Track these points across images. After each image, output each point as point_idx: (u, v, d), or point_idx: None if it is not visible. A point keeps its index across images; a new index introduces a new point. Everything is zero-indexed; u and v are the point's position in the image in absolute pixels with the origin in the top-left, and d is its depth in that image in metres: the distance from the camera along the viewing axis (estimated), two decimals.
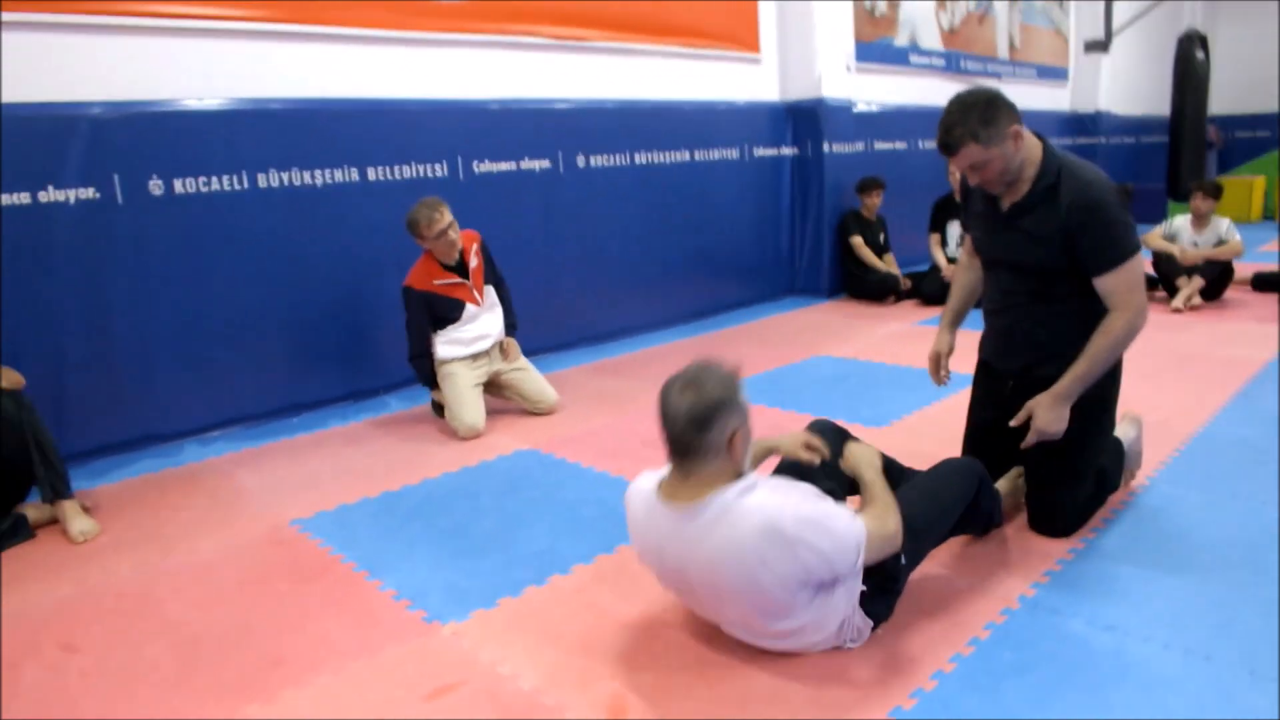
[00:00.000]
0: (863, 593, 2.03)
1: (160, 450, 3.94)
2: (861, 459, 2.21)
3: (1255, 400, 3.87)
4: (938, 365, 2.88)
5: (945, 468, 2.43)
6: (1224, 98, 14.16)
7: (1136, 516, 2.76)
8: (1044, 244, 2.44)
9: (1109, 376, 2.55)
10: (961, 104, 2.35)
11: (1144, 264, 2.47)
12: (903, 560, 2.12)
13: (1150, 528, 2.67)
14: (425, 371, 4.05)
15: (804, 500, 1.89)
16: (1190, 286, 5.93)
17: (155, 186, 3.86)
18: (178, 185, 3.93)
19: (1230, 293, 6.28)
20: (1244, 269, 6.69)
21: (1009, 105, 2.37)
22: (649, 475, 2.06)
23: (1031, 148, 2.45)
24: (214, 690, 2.07)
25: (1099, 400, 2.58)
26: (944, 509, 2.31)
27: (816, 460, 2.19)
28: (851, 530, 1.87)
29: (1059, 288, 2.50)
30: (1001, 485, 2.73)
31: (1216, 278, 6.06)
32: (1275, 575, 2.34)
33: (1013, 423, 2.54)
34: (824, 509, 1.88)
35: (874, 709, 1.86)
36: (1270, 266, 6.79)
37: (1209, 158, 13.30)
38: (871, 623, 2.08)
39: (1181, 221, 6.24)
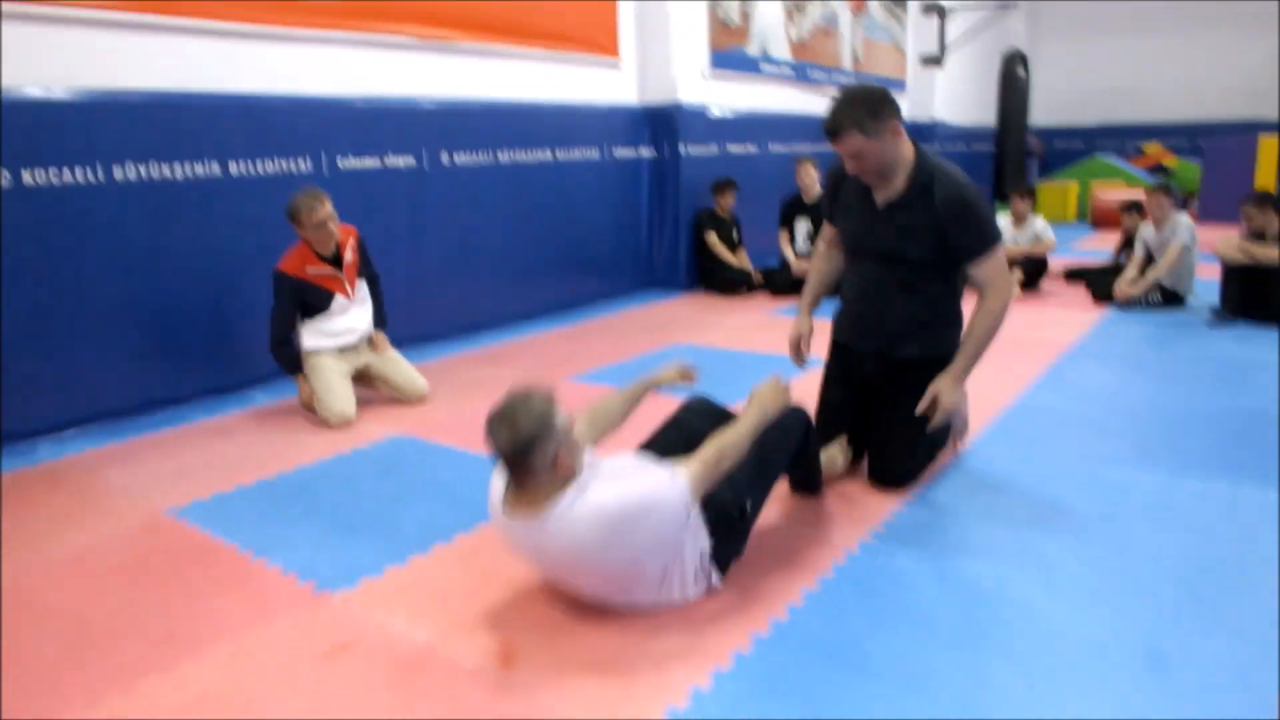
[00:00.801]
0: (712, 546, 2.24)
1: (12, 449, 3.81)
2: (766, 393, 2.40)
3: (1061, 375, 4.39)
4: (799, 347, 3.11)
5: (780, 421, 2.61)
6: (1044, 110, 15.44)
7: (961, 474, 3.12)
8: (917, 237, 2.74)
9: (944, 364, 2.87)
10: (851, 95, 2.61)
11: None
12: (748, 508, 2.36)
13: (972, 482, 3.04)
14: (288, 359, 4.05)
15: (630, 483, 2.05)
16: (1012, 277, 6.53)
17: (3, 179, 3.73)
18: (26, 177, 3.81)
19: (1046, 284, 6.97)
20: (1058, 263, 7.44)
21: (894, 103, 2.62)
22: (498, 480, 2.18)
23: (906, 149, 2.72)
24: (105, 671, 2.08)
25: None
26: (776, 449, 2.50)
27: (693, 380, 2.57)
28: (674, 492, 2.04)
29: (923, 278, 2.82)
30: (834, 450, 3.03)
31: (1034, 270, 6.71)
32: (1072, 516, 2.74)
33: (919, 409, 2.77)
34: (648, 483, 2.05)
35: (735, 637, 2.10)
36: (1082, 261, 7.56)
37: (1031, 164, 14.48)
38: (721, 573, 2.30)
39: (1003, 222, 6.86)
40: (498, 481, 2.19)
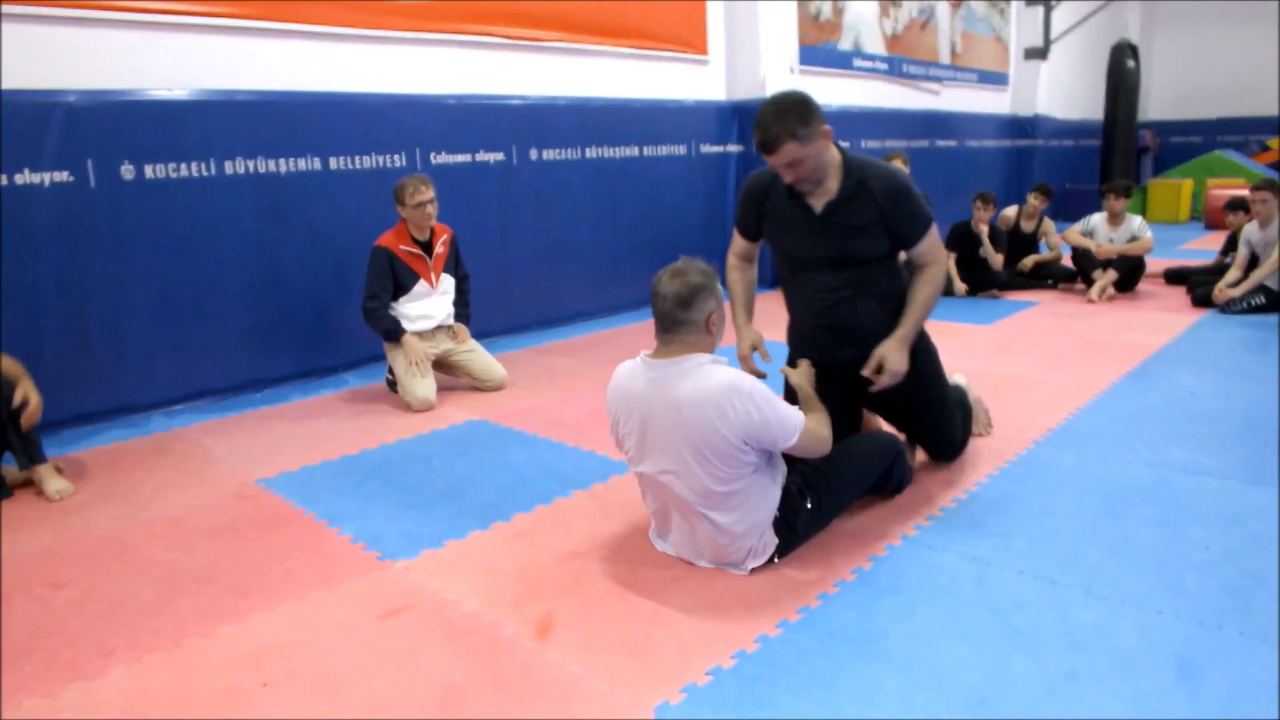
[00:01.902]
0: (775, 517, 2.40)
1: (130, 420, 4.17)
2: (801, 377, 2.68)
3: (1143, 378, 4.28)
4: (751, 359, 2.95)
5: (869, 440, 2.79)
6: (1160, 104, 14.80)
7: (1017, 473, 3.12)
8: (864, 233, 2.75)
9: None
10: (779, 105, 2.58)
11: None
12: (808, 503, 2.47)
13: (1027, 483, 3.03)
14: (384, 320, 4.23)
15: (760, 384, 2.30)
16: (1105, 279, 6.36)
17: (127, 171, 4.09)
18: (148, 170, 4.16)
19: (1144, 285, 6.73)
20: (1159, 264, 7.16)
21: (819, 107, 2.62)
22: (626, 363, 2.45)
23: (832, 150, 2.72)
24: (191, 616, 2.34)
25: (920, 346, 2.94)
26: (858, 474, 2.67)
27: (767, 359, 2.84)
28: (795, 415, 2.31)
29: (876, 276, 2.83)
30: None
31: (1130, 271, 6.50)
32: (1124, 521, 2.71)
33: (865, 371, 2.79)
34: (775, 398, 2.29)
35: (763, 622, 2.18)
36: (1184, 262, 7.26)
37: (1145, 161, 13.89)
38: (777, 541, 2.42)
39: (1098, 219, 6.67)
40: (625, 364, 2.44)
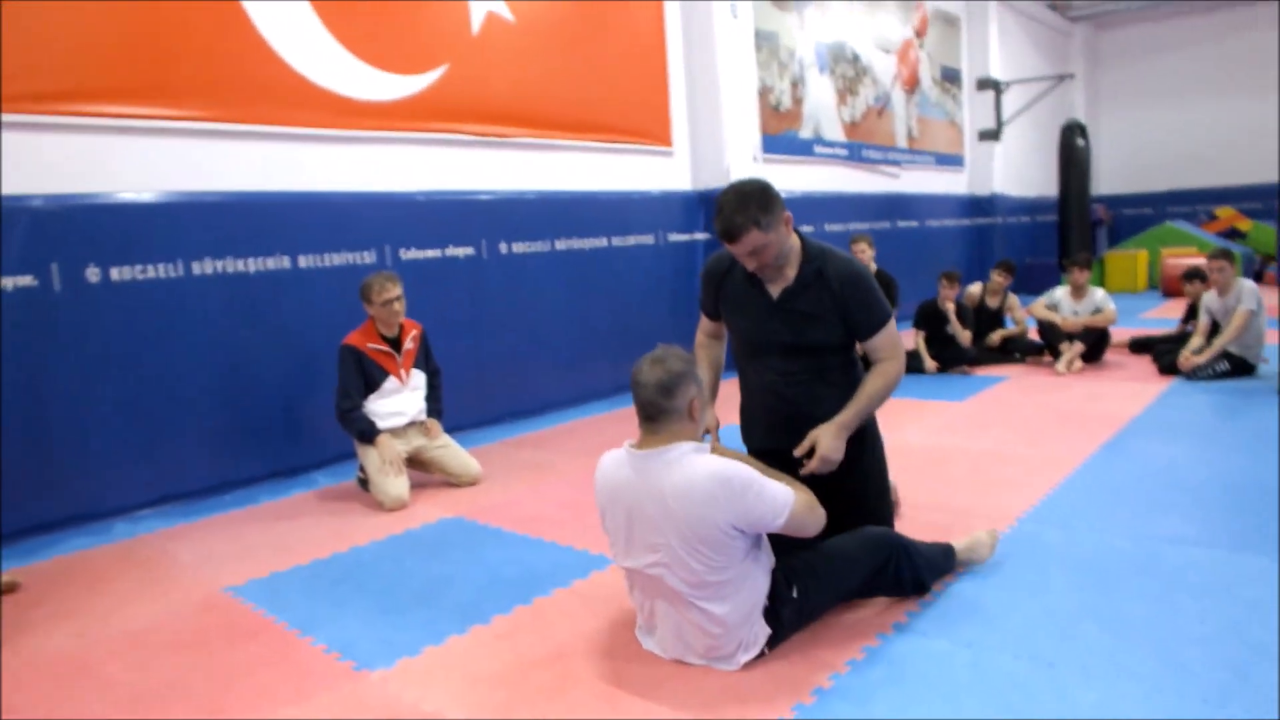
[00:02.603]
0: (766, 604, 2.35)
1: (93, 528, 4.03)
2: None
3: (1120, 448, 4.29)
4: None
5: (861, 533, 2.66)
6: (1110, 179, 15.32)
7: (1003, 551, 3.07)
8: (820, 321, 2.71)
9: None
10: (740, 193, 2.57)
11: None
12: (793, 593, 2.41)
13: (1015, 561, 2.99)
14: (360, 423, 4.19)
15: (747, 468, 2.28)
16: (1072, 351, 6.44)
17: (92, 274, 4.04)
18: (114, 273, 4.12)
19: (1110, 355, 6.83)
20: (1124, 334, 7.29)
21: (778, 195, 2.62)
22: (610, 453, 2.43)
23: (793, 238, 2.72)
24: None
25: (869, 446, 2.87)
26: (846, 565, 2.56)
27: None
28: (782, 495, 2.28)
29: (831, 363, 2.77)
30: None
31: (1095, 342, 6.60)
32: (1116, 596, 2.67)
33: (797, 452, 2.67)
34: (762, 479, 2.27)
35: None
36: (1147, 331, 7.39)
37: (1100, 234, 14.29)
38: (769, 631, 2.35)
39: (1061, 293, 6.80)
40: (610, 454, 2.42)
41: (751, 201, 2.54)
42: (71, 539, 3.92)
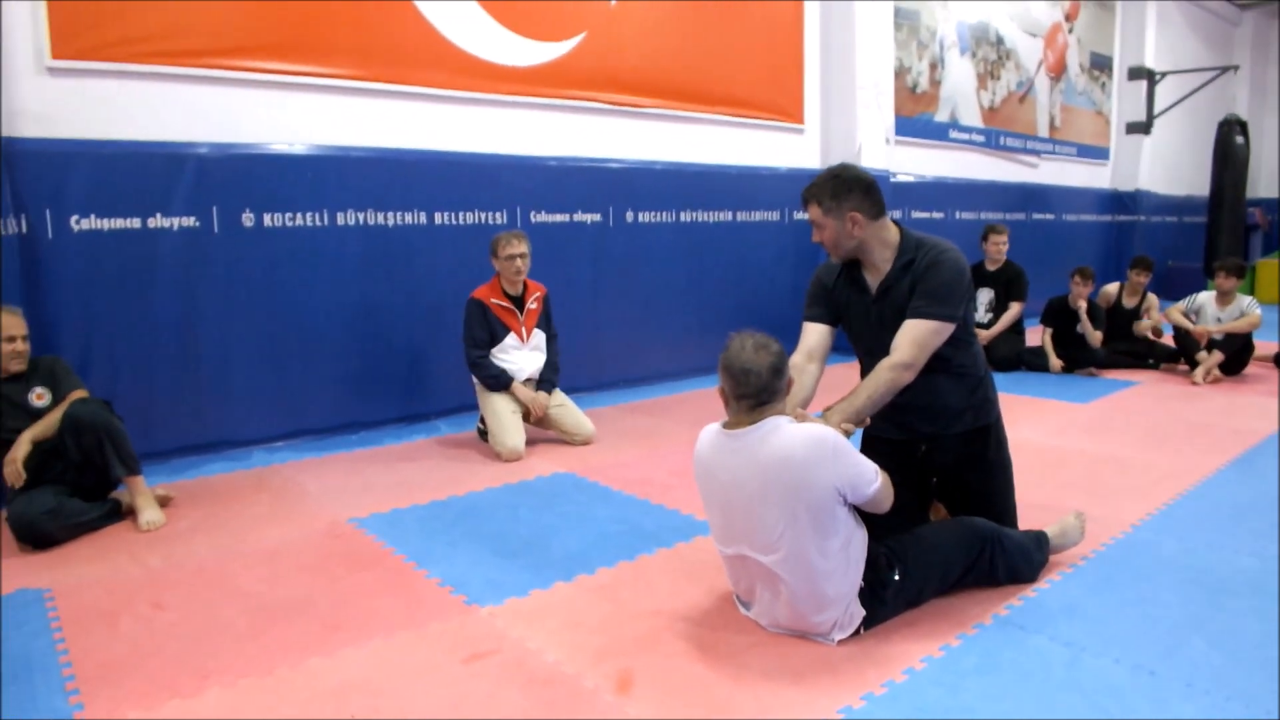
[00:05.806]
0: (860, 588, 2.38)
1: (233, 454, 4.36)
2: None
3: (1248, 467, 4.09)
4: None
5: (957, 522, 2.71)
6: (1270, 181, 14.31)
7: (1114, 557, 3.00)
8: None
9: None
10: (831, 171, 2.67)
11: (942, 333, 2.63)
12: (895, 574, 2.44)
13: (1124, 567, 2.92)
14: (492, 368, 4.38)
15: (834, 432, 2.34)
16: (1209, 361, 6.12)
17: (247, 219, 4.34)
18: (266, 219, 4.41)
19: (1252, 368, 6.45)
20: (1269, 347, 6.87)
21: (864, 194, 2.61)
22: (707, 431, 2.47)
23: (889, 232, 2.70)
24: (281, 646, 2.41)
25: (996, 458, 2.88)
26: (946, 553, 2.59)
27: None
28: (872, 467, 2.34)
29: (941, 352, 2.67)
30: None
31: (1237, 353, 6.24)
32: (1228, 612, 2.59)
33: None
34: (849, 443, 2.32)
35: (847, 693, 2.15)
36: None
37: (1255, 239, 13.41)
38: (864, 612, 2.39)
39: (1205, 298, 6.45)
40: (705, 435, 2.47)
41: (830, 183, 2.65)
42: (214, 462, 4.26)
